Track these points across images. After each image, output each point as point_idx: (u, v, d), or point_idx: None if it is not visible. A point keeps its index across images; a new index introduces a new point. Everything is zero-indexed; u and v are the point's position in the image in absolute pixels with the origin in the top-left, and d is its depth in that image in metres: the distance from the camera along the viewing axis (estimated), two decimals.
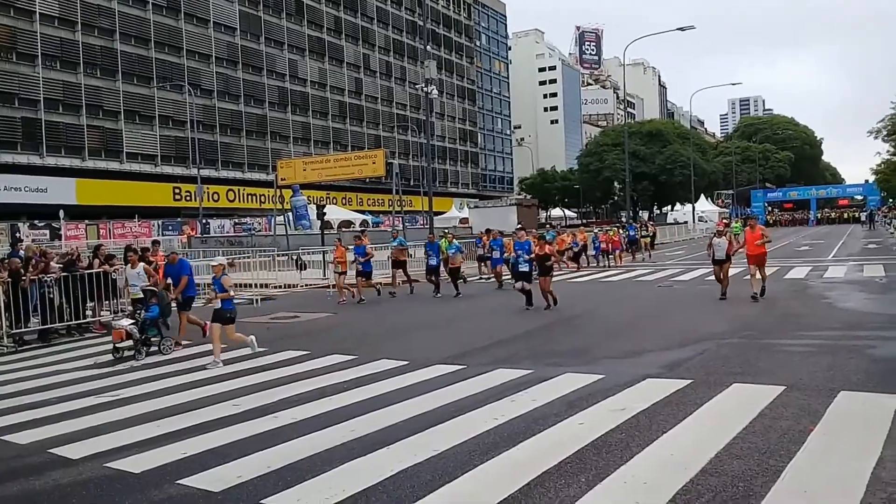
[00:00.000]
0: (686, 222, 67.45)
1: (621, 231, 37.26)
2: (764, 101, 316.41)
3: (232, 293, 11.15)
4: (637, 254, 33.03)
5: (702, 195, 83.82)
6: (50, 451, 6.77)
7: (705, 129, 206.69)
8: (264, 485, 5.54)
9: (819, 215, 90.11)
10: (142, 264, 13.22)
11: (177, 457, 6.34)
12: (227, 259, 12.74)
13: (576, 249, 28.71)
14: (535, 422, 6.87)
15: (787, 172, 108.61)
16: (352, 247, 20.05)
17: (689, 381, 8.14)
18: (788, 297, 16.20)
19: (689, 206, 74.88)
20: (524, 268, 15.64)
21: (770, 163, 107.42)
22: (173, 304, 13.27)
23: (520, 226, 20.40)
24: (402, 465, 5.76)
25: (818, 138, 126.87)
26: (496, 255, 21.75)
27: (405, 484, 5.39)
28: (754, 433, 6.18)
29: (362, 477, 5.56)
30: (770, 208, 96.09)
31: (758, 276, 15.63)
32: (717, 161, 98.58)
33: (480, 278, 24.76)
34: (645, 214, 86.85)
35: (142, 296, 12.60)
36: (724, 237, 16.42)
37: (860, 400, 7.17)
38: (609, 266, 28.47)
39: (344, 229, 43.45)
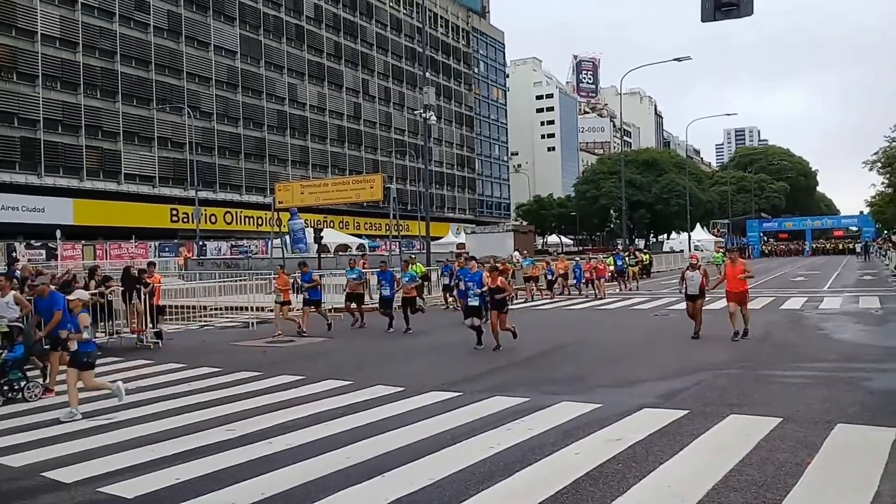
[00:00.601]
0: (682, 251, 67.54)
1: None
2: (759, 132, 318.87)
3: (86, 335, 9.44)
4: (626, 283, 31.83)
5: (697, 224, 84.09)
6: (42, 474, 6.71)
7: (701, 158, 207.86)
8: None
9: (814, 246, 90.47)
10: (13, 293, 11.29)
11: (170, 482, 6.29)
12: (86, 296, 10.44)
13: (550, 277, 28.17)
14: (531, 451, 6.84)
15: (781, 203, 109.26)
16: (298, 274, 18.88)
17: (686, 412, 8.12)
18: (784, 328, 16.21)
19: (685, 235, 75.10)
20: (474, 302, 14.03)
21: (765, 193, 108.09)
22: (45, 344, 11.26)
23: (467, 254, 19.20)
24: (398, 494, 5.73)
25: (813, 169, 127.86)
26: (462, 286, 20.00)
27: None
28: (751, 465, 6.16)
29: None
30: (765, 238, 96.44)
31: (739, 314, 14.27)
32: (713, 190, 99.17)
33: (447, 307, 23.25)
34: (641, 242, 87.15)
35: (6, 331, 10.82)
36: (697, 270, 14.96)
37: (857, 433, 7.15)
38: (594, 296, 27.23)
39: (341, 253, 43.49)
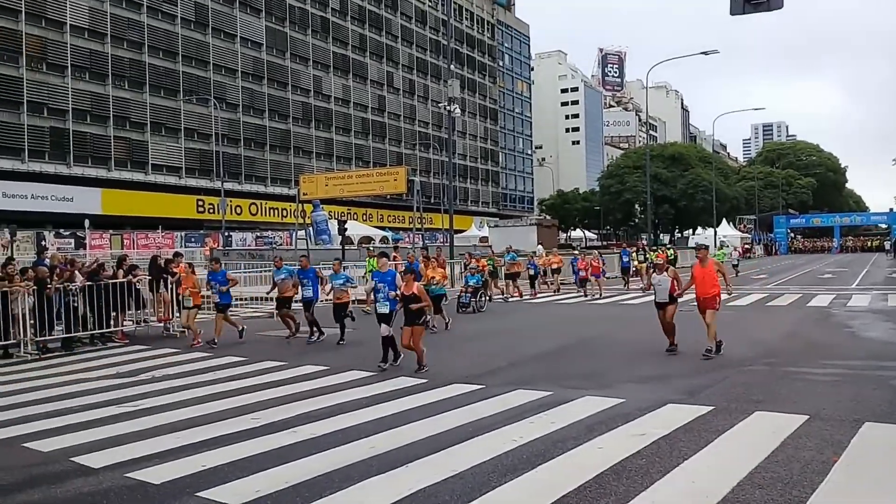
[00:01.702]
0: (723, 246, 66.99)
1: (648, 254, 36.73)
2: (787, 127, 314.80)
3: None
4: (633, 281, 29.02)
5: (724, 219, 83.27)
6: (72, 459, 6.82)
7: (728, 153, 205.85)
8: (282, 500, 5.56)
9: (842, 243, 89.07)
10: None
11: (196, 469, 6.37)
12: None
13: (531, 272, 26.54)
14: (554, 444, 6.84)
15: (809, 199, 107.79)
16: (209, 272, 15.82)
17: (711, 408, 8.07)
18: (811, 326, 16.03)
19: (710, 230, 74.41)
20: (384, 308, 11.46)
21: (793, 189, 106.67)
22: None
23: (380, 251, 15.91)
24: (421, 485, 5.75)
25: (842, 165, 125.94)
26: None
27: (424, 503, 5.38)
28: (777, 463, 6.11)
29: (381, 495, 5.56)
30: (793, 234, 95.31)
31: (714, 325, 11.79)
32: (740, 186, 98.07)
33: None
34: (666, 238, 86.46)
35: None
36: (665, 273, 12.68)
37: (884, 431, 7.07)
38: (587, 294, 25.44)
39: (364, 245, 43.63)
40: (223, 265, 15.91)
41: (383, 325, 11.41)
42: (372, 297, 11.91)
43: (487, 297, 22.10)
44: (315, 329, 14.91)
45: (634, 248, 32.11)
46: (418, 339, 11.13)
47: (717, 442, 6.82)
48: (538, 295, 26.18)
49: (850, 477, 5.77)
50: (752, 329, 15.58)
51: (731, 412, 7.89)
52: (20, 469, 6.60)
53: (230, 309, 16.08)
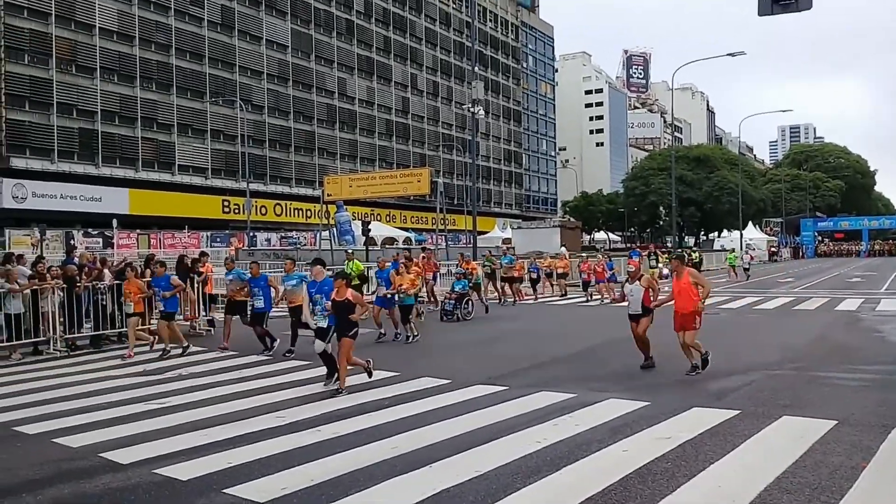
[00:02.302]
0: (733, 249, 66.39)
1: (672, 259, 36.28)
2: (815, 129, 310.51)
3: None
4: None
5: (750, 222, 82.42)
6: (100, 455, 6.92)
7: (754, 155, 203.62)
8: (308, 497, 5.60)
9: (870, 246, 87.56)
10: None
11: (223, 466, 6.44)
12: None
13: (534, 276, 25.55)
14: (578, 447, 6.82)
15: (837, 202, 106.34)
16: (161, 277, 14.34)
17: (737, 412, 7.99)
18: (839, 330, 15.82)
19: (736, 233, 73.71)
20: (321, 322, 10.13)
21: (820, 191, 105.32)
22: None
23: (315, 258, 12.68)
24: (445, 485, 5.76)
25: (871, 169, 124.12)
26: (381, 292, 15.51)
27: (448, 503, 5.39)
28: (804, 468, 6.05)
29: (405, 494, 5.58)
30: (820, 238, 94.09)
31: (693, 343, 10.63)
32: (766, 188, 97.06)
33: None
34: (691, 240, 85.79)
35: None
36: (638, 282, 11.37)
37: None
38: (590, 298, 24.65)
39: (387, 245, 43.76)
40: (165, 270, 14.35)
41: (318, 342, 10.12)
42: (307, 310, 10.47)
43: (482, 302, 20.45)
44: (268, 340, 13.44)
45: (646, 252, 30.64)
46: (346, 353, 9.72)
47: (743, 446, 6.76)
48: (538, 297, 25.68)
49: (880, 483, 5.70)
50: (779, 333, 15.43)
51: (758, 416, 7.81)
52: (50, 464, 6.71)
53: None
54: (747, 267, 38.06)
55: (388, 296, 14.97)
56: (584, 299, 24.78)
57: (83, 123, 52.86)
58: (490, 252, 27.74)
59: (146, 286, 14.29)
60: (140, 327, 14.26)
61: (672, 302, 10.85)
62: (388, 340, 14.88)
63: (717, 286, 30.53)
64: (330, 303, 9.81)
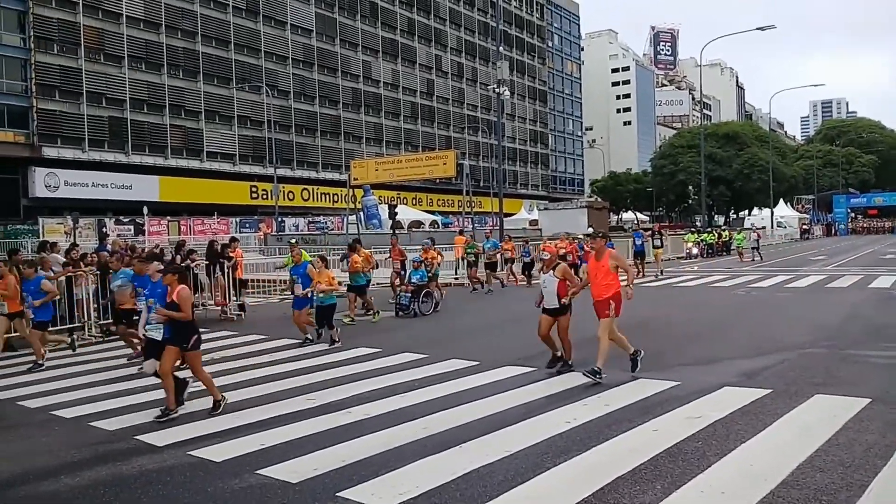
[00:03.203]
0: (764, 227, 65.61)
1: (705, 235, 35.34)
2: (847, 104, 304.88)
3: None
4: (643, 268, 25.24)
5: (781, 200, 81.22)
6: (136, 437, 7.06)
7: (785, 132, 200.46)
8: (340, 478, 5.66)
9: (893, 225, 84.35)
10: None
11: (255, 447, 6.53)
12: None
13: (526, 260, 23.02)
14: (608, 427, 6.81)
15: (871, 178, 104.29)
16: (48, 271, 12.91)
17: (769, 391, 7.92)
18: (873, 307, 15.57)
19: (766, 211, 72.71)
20: (154, 333, 8.17)
21: (854, 167, 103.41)
22: None
23: (149, 251, 12.52)
24: (475, 465, 5.79)
25: None
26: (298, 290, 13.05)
27: (478, 483, 5.43)
28: (838, 446, 5.99)
29: (435, 474, 5.62)
30: (853, 215, 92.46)
31: (606, 339, 8.95)
32: (798, 165, 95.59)
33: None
34: (721, 219, 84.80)
35: None
36: (552, 272, 9.42)
37: None
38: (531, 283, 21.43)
39: (414, 229, 43.82)
40: (36, 272, 11.88)
41: (149, 361, 8.23)
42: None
43: (439, 290, 17.87)
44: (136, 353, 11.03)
45: (650, 232, 27.99)
46: (196, 364, 8.08)
47: (775, 425, 6.70)
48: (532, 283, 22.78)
49: None
50: (812, 311, 15.23)
51: (790, 395, 7.74)
52: (88, 447, 6.85)
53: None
54: (756, 246, 36.07)
55: (307, 295, 12.85)
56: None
57: (112, 112, 53.46)
58: (471, 236, 24.71)
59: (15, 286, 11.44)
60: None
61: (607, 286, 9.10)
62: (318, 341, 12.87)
63: (731, 271, 30.30)
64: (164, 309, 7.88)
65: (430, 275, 17.06)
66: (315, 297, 12.80)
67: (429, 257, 17.47)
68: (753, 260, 34.00)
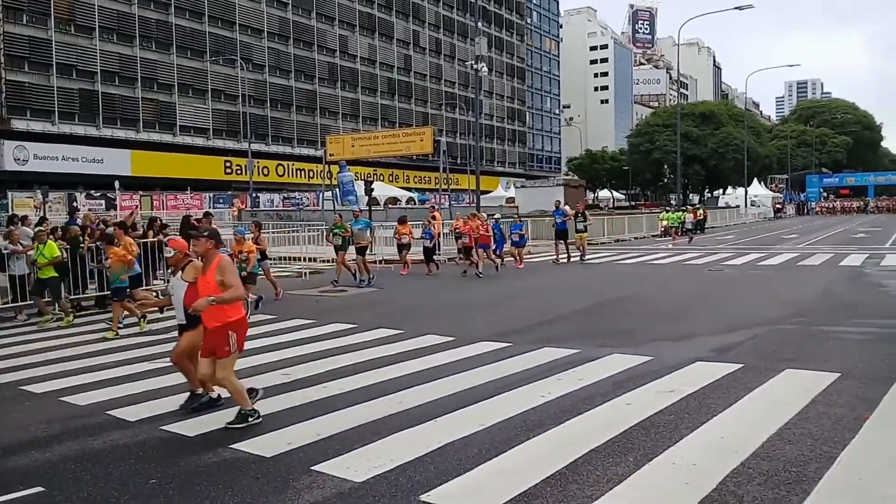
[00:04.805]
0: (738, 206, 66.25)
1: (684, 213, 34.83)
2: (822, 85, 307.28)
3: None
4: (567, 250, 22.97)
5: (755, 179, 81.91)
6: (107, 412, 6.98)
7: (760, 111, 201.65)
8: (314, 452, 5.64)
9: (867, 203, 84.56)
10: None
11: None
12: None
13: (427, 244, 20.49)
14: (581, 401, 6.86)
15: (843, 158, 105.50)
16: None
17: (741, 366, 8.02)
18: (844, 285, 15.80)
19: (741, 190, 73.35)
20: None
21: (827, 147, 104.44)
22: None
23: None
24: (450, 438, 5.81)
25: (878, 123, 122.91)
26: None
27: (452, 456, 5.44)
28: (807, 419, 6.08)
29: (410, 448, 5.63)
30: (826, 194, 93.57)
31: (231, 381, 6.53)
32: (772, 145, 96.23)
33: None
34: (696, 198, 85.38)
35: None
36: (182, 273, 7.14)
37: None
38: (466, 271, 19.35)
39: (391, 206, 43.67)
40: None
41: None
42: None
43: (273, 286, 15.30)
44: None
45: (574, 212, 24.26)
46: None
47: (746, 399, 6.79)
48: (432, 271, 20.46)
49: (883, 433, 5.72)
50: (783, 288, 15.43)
51: (761, 370, 7.84)
52: (59, 422, 6.77)
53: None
54: (691, 227, 35.05)
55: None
56: (463, 271, 19.58)
57: (83, 84, 52.47)
58: (339, 216, 20.04)
59: None
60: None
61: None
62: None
63: (658, 250, 30.54)
64: None
65: (244, 274, 12.35)
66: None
67: (243, 250, 13.55)
68: (682, 239, 32.78)
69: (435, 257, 20.87)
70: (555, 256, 23.06)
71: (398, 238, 20.71)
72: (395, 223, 21.16)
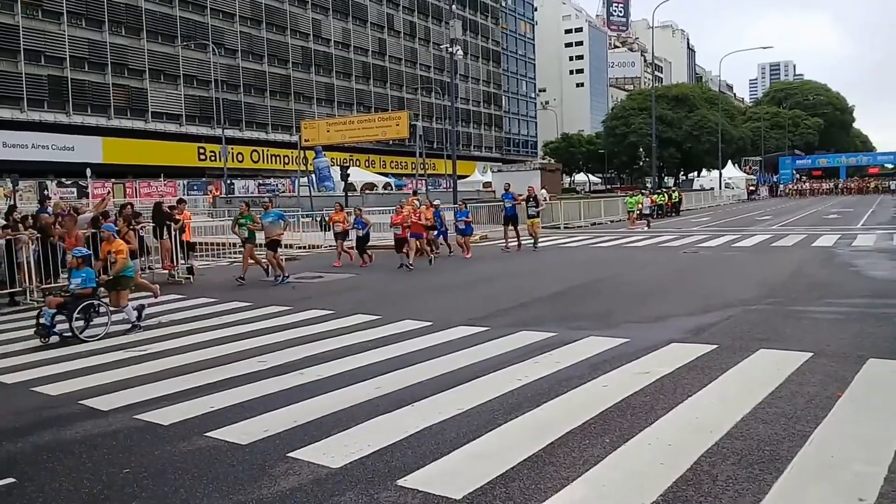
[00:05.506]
0: (712, 189, 66.81)
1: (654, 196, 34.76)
2: (795, 67, 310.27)
3: None
4: (506, 237, 21.75)
5: (729, 161, 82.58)
6: (80, 402, 6.89)
7: (734, 94, 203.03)
8: (291, 438, 5.61)
9: (837, 185, 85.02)
10: None
11: (204, 410, 6.43)
12: None
13: (360, 233, 18.85)
14: (558, 383, 6.88)
15: (815, 139, 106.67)
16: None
17: (715, 346, 8.09)
18: (816, 266, 15.99)
19: (715, 173, 73.97)
20: None
21: (799, 129, 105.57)
22: None
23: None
24: (427, 423, 5.80)
25: (850, 105, 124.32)
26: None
27: (430, 441, 5.43)
28: (781, 398, 6.14)
29: (387, 433, 5.61)
30: (798, 175, 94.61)
31: None
32: (746, 127, 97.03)
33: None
34: (671, 180, 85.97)
35: None
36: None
37: (890, 367, 7.08)
38: (404, 264, 17.49)
39: (367, 191, 43.50)
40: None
41: None
42: None
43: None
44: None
45: (525, 196, 22.61)
46: None
47: (720, 379, 6.85)
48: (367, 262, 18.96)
49: (855, 411, 5.79)
50: (756, 270, 15.58)
51: (735, 350, 7.91)
52: (30, 412, 6.67)
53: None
54: (648, 212, 33.93)
55: None
56: (399, 264, 17.69)
57: (52, 70, 51.58)
58: (246, 205, 17.57)
59: None
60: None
61: None
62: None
63: (633, 233, 30.83)
64: None
65: (99, 281, 10.94)
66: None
67: (113, 248, 11.35)
68: (640, 223, 32.44)
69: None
70: (504, 244, 21.76)
71: (332, 226, 19.70)
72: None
